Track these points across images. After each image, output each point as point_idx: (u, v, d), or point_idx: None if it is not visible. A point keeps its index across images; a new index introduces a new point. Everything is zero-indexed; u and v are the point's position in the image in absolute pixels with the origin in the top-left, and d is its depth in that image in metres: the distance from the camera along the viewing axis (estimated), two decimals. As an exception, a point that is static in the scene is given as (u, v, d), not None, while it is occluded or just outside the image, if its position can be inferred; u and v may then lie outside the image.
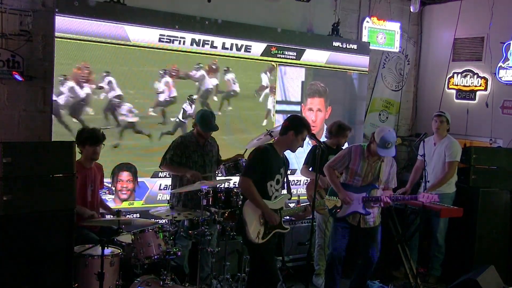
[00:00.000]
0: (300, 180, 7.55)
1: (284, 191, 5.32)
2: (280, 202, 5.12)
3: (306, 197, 6.91)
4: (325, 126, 7.70)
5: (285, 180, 5.29)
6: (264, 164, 4.96)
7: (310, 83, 7.82)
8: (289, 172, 6.74)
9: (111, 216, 5.60)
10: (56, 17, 5.72)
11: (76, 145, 5.26)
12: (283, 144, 5.11)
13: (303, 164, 6.74)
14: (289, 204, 5.43)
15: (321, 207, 5.78)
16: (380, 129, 5.69)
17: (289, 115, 5.34)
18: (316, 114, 7.91)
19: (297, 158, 7.23)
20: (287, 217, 5.57)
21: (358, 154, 5.76)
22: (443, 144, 6.98)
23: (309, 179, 6.90)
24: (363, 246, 5.82)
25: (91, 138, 5.38)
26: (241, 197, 5.36)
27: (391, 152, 5.57)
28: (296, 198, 5.82)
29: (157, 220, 5.87)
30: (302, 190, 7.46)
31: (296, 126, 5.03)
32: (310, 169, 6.66)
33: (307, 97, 7.83)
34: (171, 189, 6.12)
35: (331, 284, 5.90)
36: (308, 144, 6.81)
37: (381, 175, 5.72)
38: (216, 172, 6.30)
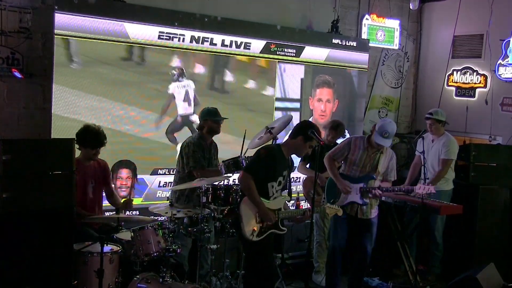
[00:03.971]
0: (299, 177, 7.54)
1: (285, 192, 5.33)
2: (278, 203, 5.12)
3: (302, 195, 6.94)
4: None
5: (287, 181, 5.30)
6: (268, 165, 4.97)
7: (318, 75, 7.85)
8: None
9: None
10: (56, 14, 5.72)
11: (79, 143, 5.29)
12: (291, 148, 5.12)
13: (300, 161, 6.75)
14: (288, 206, 5.42)
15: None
16: (383, 119, 5.74)
17: (302, 120, 5.34)
18: (326, 104, 7.94)
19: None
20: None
21: (358, 144, 5.84)
22: (441, 142, 6.98)
23: (305, 176, 6.91)
24: (358, 237, 5.88)
25: (94, 141, 5.35)
26: (240, 193, 5.38)
27: (387, 142, 5.64)
28: (296, 195, 5.83)
29: (157, 217, 5.86)
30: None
31: (306, 132, 5.01)
32: (308, 166, 6.67)
33: (316, 88, 7.86)
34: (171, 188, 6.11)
35: (333, 276, 5.97)
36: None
37: (379, 166, 5.78)
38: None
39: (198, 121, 6.23)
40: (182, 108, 6.70)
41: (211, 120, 5.91)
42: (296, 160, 6.43)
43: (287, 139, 5.20)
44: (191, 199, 5.83)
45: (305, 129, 5.04)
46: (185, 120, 6.74)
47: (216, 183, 5.68)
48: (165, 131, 6.61)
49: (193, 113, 6.72)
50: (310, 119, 7.73)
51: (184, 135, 6.50)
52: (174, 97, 6.61)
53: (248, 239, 4.92)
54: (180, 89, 6.64)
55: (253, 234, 4.92)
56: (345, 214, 5.83)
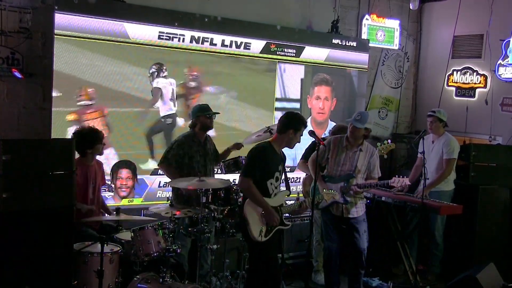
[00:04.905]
0: (299, 177, 7.55)
1: (283, 187, 5.34)
2: (279, 198, 5.14)
3: (302, 195, 6.93)
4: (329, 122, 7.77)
5: (283, 176, 5.31)
6: (263, 163, 4.98)
7: (316, 74, 7.85)
8: (288, 169, 6.75)
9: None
10: (56, 14, 5.72)
11: (85, 150, 5.36)
12: (282, 142, 5.13)
13: (301, 159, 6.76)
14: (286, 201, 5.43)
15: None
16: None
17: (285, 112, 5.34)
18: (324, 102, 7.94)
19: (298, 155, 7.20)
20: (286, 214, 5.57)
21: (337, 144, 5.90)
22: (441, 142, 6.99)
23: (305, 174, 6.92)
24: (349, 236, 5.88)
25: (99, 134, 5.46)
26: (241, 194, 5.37)
27: (358, 124, 5.74)
28: (296, 195, 5.83)
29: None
30: (302, 187, 7.46)
31: (295, 124, 5.07)
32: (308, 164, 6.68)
33: (314, 86, 7.86)
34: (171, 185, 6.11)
35: (331, 275, 6.01)
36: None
37: (358, 164, 5.79)
38: (216, 169, 6.34)
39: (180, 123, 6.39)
40: (166, 109, 6.63)
41: (203, 116, 5.92)
42: (290, 155, 6.46)
43: (276, 134, 5.20)
44: (187, 200, 5.84)
45: (294, 121, 5.09)
46: (165, 123, 6.66)
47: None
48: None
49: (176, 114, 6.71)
50: (309, 119, 7.75)
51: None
52: (162, 93, 6.55)
53: (257, 241, 4.92)
54: (168, 86, 6.60)
55: (261, 234, 4.93)
56: (330, 215, 5.90)
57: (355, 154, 5.82)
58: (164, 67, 6.51)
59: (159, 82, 6.51)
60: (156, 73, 6.47)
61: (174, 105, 6.66)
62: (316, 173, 5.25)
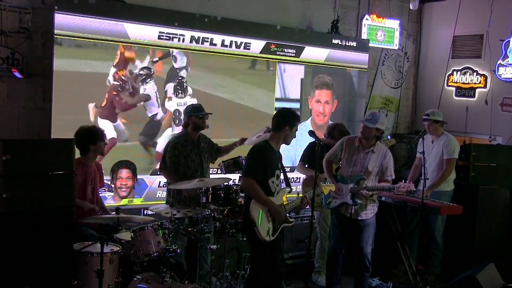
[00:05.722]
0: (299, 178, 7.55)
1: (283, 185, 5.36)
2: (281, 196, 5.15)
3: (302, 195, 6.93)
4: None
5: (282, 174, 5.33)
6: (264, 162, 4.99)
7: (317, 76, 7.86)
8: (288, 169, 6.76)
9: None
10: (56, 14, 5.72)
11: (88, 146, 5.39)
12: (279, 139, 5.15)
13: (299, 161, 6.77)
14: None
15: (316, 203, 5.80)
16: None
17: (278, 110, 5.35)
18: (324, 106, 7.96)
19: (298, 156, 7.19)
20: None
21: (349, 144, 5.87)
22: (441, 142, 6.99)
23: (305, 175, 6.92)
24: (355, 237, 5.86)
25: (101, 132, 5.52)
26: (241, 194, 5.37)
27: (367, 123, 5.68)
28: (296, 195, 5.84)
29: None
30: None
31: (289, 120, 5.10)
32: (306, 166, 6.68)
33: (315, 89, 7.88)
34: (168, 186, 6.11)
35: (333, 276, 5.98)
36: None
37: (369, 166, 5.74)
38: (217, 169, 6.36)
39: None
40: (153, 110, 6.65)
41: (195, 116, 5.93)
42: (286, 153, 6.45)
43: (272, 132, 5.20)
44: (180, 200, 5.85)
45: (289, 117, 5.12)
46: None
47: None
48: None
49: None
50: (309, 119, 7.76)
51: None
52: (150, 97, 6.55)
53: (265, 241, 4.93)
54: (154, 90, 6.59)
55: (269, 233, 4.94)
56: (339, 215, 5.89)
57: (366, 155, 5.76)
58: (153, 71, 6.50)
59: (146, 89, 6.49)
60: (145, 78, 6.46)
61: (158, 106, 6.62)
62: (316, 172, 5.25)
